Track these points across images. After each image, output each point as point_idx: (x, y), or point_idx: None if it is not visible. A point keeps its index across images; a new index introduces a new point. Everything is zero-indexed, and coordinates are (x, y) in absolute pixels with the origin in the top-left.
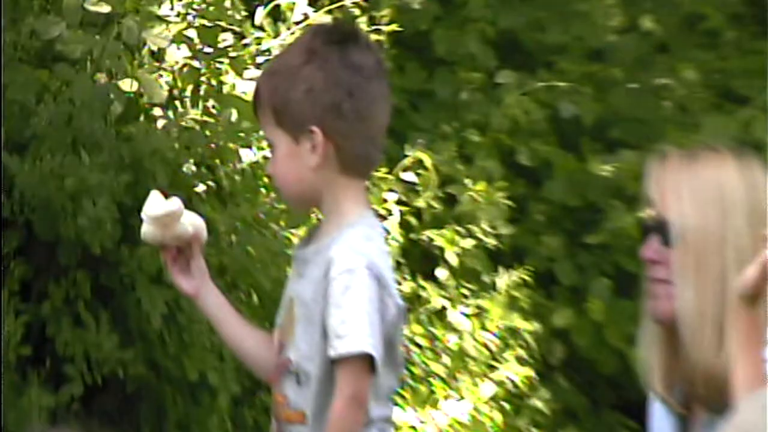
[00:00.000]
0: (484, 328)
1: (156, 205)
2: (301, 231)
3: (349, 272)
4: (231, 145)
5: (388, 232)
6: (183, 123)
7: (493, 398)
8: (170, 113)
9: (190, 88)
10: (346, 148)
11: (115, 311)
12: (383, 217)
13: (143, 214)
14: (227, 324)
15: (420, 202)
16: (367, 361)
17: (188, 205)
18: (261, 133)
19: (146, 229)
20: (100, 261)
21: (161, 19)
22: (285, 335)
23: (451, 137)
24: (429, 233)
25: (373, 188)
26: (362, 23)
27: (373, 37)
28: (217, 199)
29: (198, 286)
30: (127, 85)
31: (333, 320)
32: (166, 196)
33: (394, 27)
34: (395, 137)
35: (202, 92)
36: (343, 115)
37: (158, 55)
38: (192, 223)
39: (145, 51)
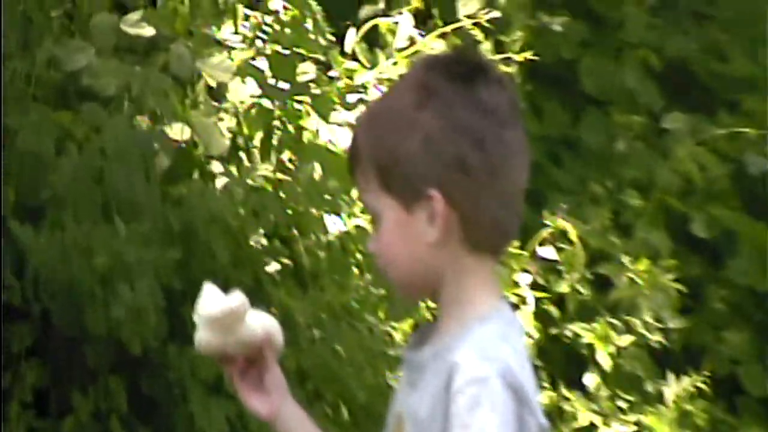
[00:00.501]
0: None
1: (212, 302)
2: (406, 325)
3: (478, 383)
4: (314, 210)
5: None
6: (250, 181)
7: None
8: (233, 169)
9: (259, 135)
10: (474, 216)
11: (160, 430)
12: (515, 306)
13: (196, 316)
14: None
15: (563, 287)
16: None
17: (257, 290)
18: (354, 195)
19: (202, 335)
20: (141, 363)
21: (221, 45)
22: None
23: (603, 200)
24: (574, 327)
25: (500, 268)
26: (486, 51)
27: (503, 69)
28: (296, 281)
29: (275, 405)
30: (177, 131)
31: None
32: (225, 289)
33: (528, 55)
34: (530, 200)
35: (275, 141)
36: (470, 172)
37: (218, 92)
38: (262, 324)
39: (200, 86)
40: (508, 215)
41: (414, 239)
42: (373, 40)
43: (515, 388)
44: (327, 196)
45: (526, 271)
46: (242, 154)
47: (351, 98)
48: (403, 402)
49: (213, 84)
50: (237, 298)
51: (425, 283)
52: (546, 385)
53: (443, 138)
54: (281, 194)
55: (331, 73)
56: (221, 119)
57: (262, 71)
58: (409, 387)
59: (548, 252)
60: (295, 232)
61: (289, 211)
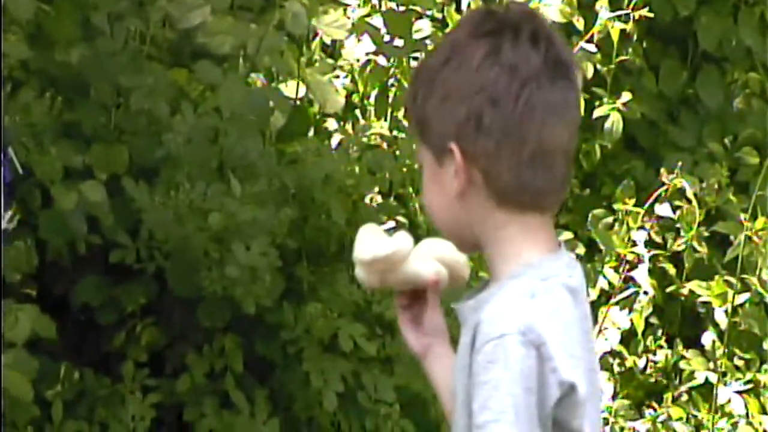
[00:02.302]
0: (764, 411)
1: (366, 245)
2: None
3: (495, 340)
4: None
5: (638, 287)
6: (366, 140)
7: None
8: (349, 127)
9: (374, 93)
10: (494, 172)
11: (275, 389)
12: (631, 264)
13: (354, 257)
14: (451, 400)
15: (680, 245)
16: None
17: None
18: None
19: (359, 274)
20: (255, 323)
21: (336, 2)
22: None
23: (720, 158)
24: (692, 286)
25: (615, 225)
26: (603, 7)
27: (619, 26)
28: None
29: (428, 345)
30: (292, 89)
31: (475, 404)
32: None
33: (644, 12)
34: (647, 158)
35: (391, 99)
36: (485, 129)
37: (333, 50)
38: (429, 268)
39: (315, 44)
40: (536, 174)
41: (445, 192)
42: None
43: (536, 344)
44: None
45: (642, 228)
46: (357, 112)
47: None
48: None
49: (328, 41)
50: (396, 242)
51: (465, 236)
52: (662, 343)
53: (459, 95)
54: (396, 152)
55: (446, 31)
56: (336, 77)
57: (378, 28)
58: (460, 339)
59: (665, 210)
60: (410, 189)
61: (404, 169)
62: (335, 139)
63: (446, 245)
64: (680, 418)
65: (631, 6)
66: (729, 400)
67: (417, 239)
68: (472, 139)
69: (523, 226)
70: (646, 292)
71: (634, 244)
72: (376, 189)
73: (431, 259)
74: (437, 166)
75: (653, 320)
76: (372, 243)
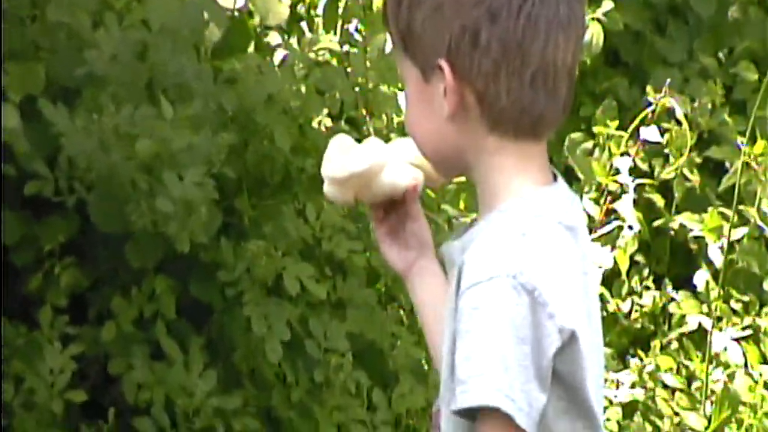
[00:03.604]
0: (764, 360)
1: (341, 159)
2: None
3: (480, 284)
4: (384, 87)
5: (622, 221)
6: (313, 55)
7: None
8: (293, 41)
9: (322, 2)
10: (490, 93)
11: (212, 338)
12: (613, 195)
13: (325, 175)
14: (434, 321)
15: (669, 173)
16: (507, 419)
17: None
18: None
19: (328, 190)
20: (190, 263)
21: None
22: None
23: (714, 74)
24: (682, 218)
25: (596, 151)
26: None
27: None
28: None
29: (411, 260)
30: None
31: (457, 356)
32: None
33: None
34: (631, 75)
35: (341, 8)
36: (482, 46)
37: None
38: (407, 175)
39: None
40: (537, 95)
41: (433, 111)
42: None
43: (528, 289)
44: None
45: (626, 154)
46: (303, 24)
47: None
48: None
49: None
50: (367, 156)
51: (452, 161)
52: (649, 284)
53: (453, 7)
54: (348, 69)
55: None
56: None
57: None
58: (447, 284)
59: (651, 133)
60: (364, 112)
61: (357, 89)
62: (279, 55)
63: (410, 155)
64: (670, 369)
65: None
66: (725, 348)
67: None
68: (466, 56)
69: (517, 154)
70: (630, 227)
71: (617, 172)
72: (325, 111)
73: (406, 163)
74: (423, 83)
75: (639, 258)
76: (345, 157)
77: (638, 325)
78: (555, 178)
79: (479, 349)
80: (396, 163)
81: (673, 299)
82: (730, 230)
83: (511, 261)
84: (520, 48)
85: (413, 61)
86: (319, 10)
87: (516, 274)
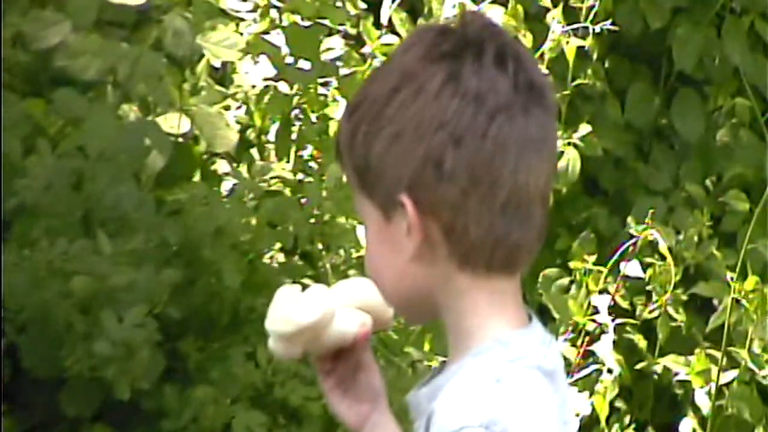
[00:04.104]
0: None
1: (286, 312)
2: None
3: None
4: (342, 219)
5: (601, 364)
6: (264, 185)
7: None
8: (243, 169)
9: (274, 127)
10: (458, 227)
11: None
12: (591, 336)
13: (270, 330)
14: None
15: (652, 312)
16: None
17: None
18: None
19: (274, 347)
20: (131, 412)
21: (227, 16)
22: None
23: (701, 203)
24: (667, 361)
25: (572, 288)
26: (556, 20)
27: (576, 42)
28: None
29: (364, 414)
30: (174, 123)
31: None
32: (304, 287)
33: (606, 25)
34: (611, 204)
35: (294, 134)
36: (446, 174)
37: (223, 75)
38: (355, 321)
39: (201, 68)
40: (510, 224)
41: (396, 253)
42: (416, 9)
43: None
44: None
45: (605, 291)
46: (254, 151)
47: None
48: None
49: (217, 64)
50: (315, 307)
51: (420, 306)
52: None
53: (413, 133)
54: (302, 200)
55: (363, 50)
56: (227, 108)
57: (278, 47)
58: None
59: (633, 268)
60: (320, 246)
61: (313, 221)
62: (227, 185)
63: (363, 285)
64: None
65: (591, 18)
66: None
67: None
68: (430, 187)
69: (489, 292)
70: (610, 370)
71: (596, 311)
72: (278, 245)
73: (352, 309)
74: (384, 222)
75: (619, 404)
76: (291, 309)
77: None
78: (530, 317)
79: None
80: (342, 310)
81: None
82: (719, 374)
83: (484, 410)
84: (489, 173)
85: (371, 200)
86: (271, 136)
87: (488, 423)
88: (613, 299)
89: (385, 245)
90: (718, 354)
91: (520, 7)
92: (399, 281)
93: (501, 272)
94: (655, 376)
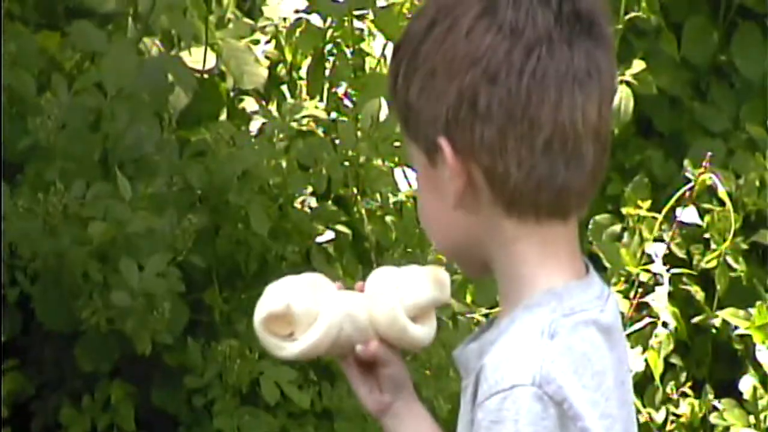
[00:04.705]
0: None
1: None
2: None
3: (501, 394)
4: (377, 162)
5: (655, 317)
6: (295, 124)
7: None
8: (273, 108)
9: (306, 63)
10: (500, 169)
11: None
12: (644, 287)
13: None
14: None
15: (710, 261)
16: None
17: (305, 267)
18: None
19: (276, 353)
20: (152, 368)
21: None
22: None
23: (763, 146)
24: (726, 314)
25: (625, 236)
26: None
27: None
28: (354, 255)
29: (386, 403)
30: (199, 59)
31: None
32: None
33: None
34: (666, 147)
35: (328, 71)
36: (482, 114)
37: (252, 7)
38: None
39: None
40: (555, 164)
41: (442, 200)
42: None
43: (556, 400)
44: (396, 143)
45: (660, 239)
46: (284, 89)
47: None
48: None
49: None
50: (325, 319)
51: (471, 256)
52: (687, 391)
53: (446, 72)
54: (336, 141)
55: None
56: (256, 42)
57: None
58: (462, 395)
59: (690, 215)
60: (354, 189)
61: (347, 163)
62: (255, 124)
63: (400, 276)
64: None
65: None
66: None
67: (363, 254)
68: (466, 127)
69: (540, 240)
70: (665, 324)
71: (650, 260)
72: (310, 189)
73: (367, 320)
74: (430, 168)
75: (675, 361)
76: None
77: None
78: (587, 267)
79: None
80: (357, 317)
81: (715, 408)
82: None
83: (537, 366)
84: (526, 111)
85: (416, 143)
86: (303, 72)
87: (542, 382)
88: (668, 248)
89: (433, 193)
90: None
91: None
92: (448, 230)
93: (551, 218)
94: (713, 331)
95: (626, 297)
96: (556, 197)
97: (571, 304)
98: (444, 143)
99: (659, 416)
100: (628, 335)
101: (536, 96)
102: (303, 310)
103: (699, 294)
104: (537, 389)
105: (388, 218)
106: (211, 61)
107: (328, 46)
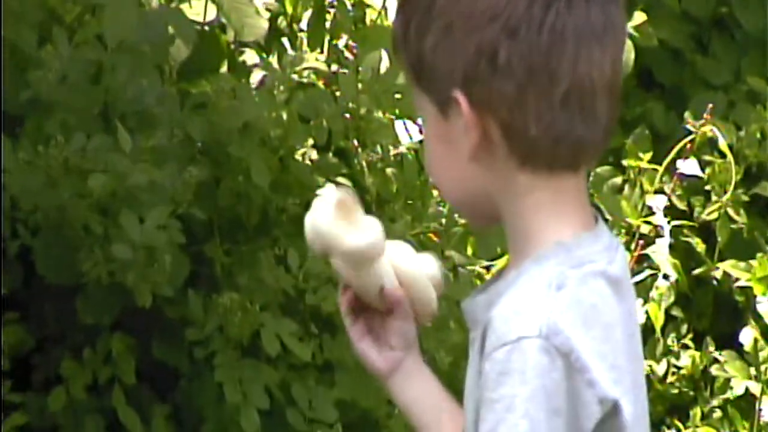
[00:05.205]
0: None
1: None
2: (502, 264)
3: (508, 346)
4: (379, 113)
5: (656, 269)
6: (296, 77)
7: None
8: (274, 59)
9: (307, 15)
10: (517, 123)
11: (178, 406)
12: (646, 239)
13: (308, 226)
14: (433, 419)
15: (711, 213)
16: None
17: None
18: None
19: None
20: (153, 320)
21: None
22: None
23: (764, 98)
24: (727, 266)
25: (626, 188)
26: None
27: None
28: None
29: (397, 360)
30: (199, 10)
31: (482, 429)
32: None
33: None
34: (668, 99)
35: (328, 22)
36: (501, 68)
37: None
38: (407, 270)
39: None
40: (572, 118)
41: (455, 152)
42: None
43: (563, 352)
44: (397, 95)
45: (660, 191)
46: (285, 41)
47: None
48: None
49: None
50: (369, 233)
51: (480, 208)
52: (688, 343)
53: (465, 26)
54: (336, 93)
55: None
56: None
57: None
58: (470, 347)
59: (691, 166)
60: (356, 142)
61: (348, 115)
62: (256, 77)
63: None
64: None
65: None
66: None
67: (364, 206)
68: (485, 82)
69: (552, 191)
70: (666, 276)
71: (651, 212)
72: (310, 141)
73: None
74: (442, 120)
75: (676, 312)
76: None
77: (675, 391)
78: (596, 219)
79: (507, 422)
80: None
81: (716, 360)
82: None
83: (544, 318)
84: (546, 66)
85: (428, 96)
86: (304, 25)
87: (549, 333)
88: (669, 200)
89: (444, 144)
90: None
91: None
92: (458, 182)
93: (563, 170)
94: (714, 283)
95: (627, 249)
96: (572, 151)
97: (580, 256)
98: (461, 97)
99: (660, 368)
100: None
101: (556, 50)
102: (360, 209)
103: (700, 246)
104: (544, 341)
105: (389, 170)
106: (212, 13)
107: None
